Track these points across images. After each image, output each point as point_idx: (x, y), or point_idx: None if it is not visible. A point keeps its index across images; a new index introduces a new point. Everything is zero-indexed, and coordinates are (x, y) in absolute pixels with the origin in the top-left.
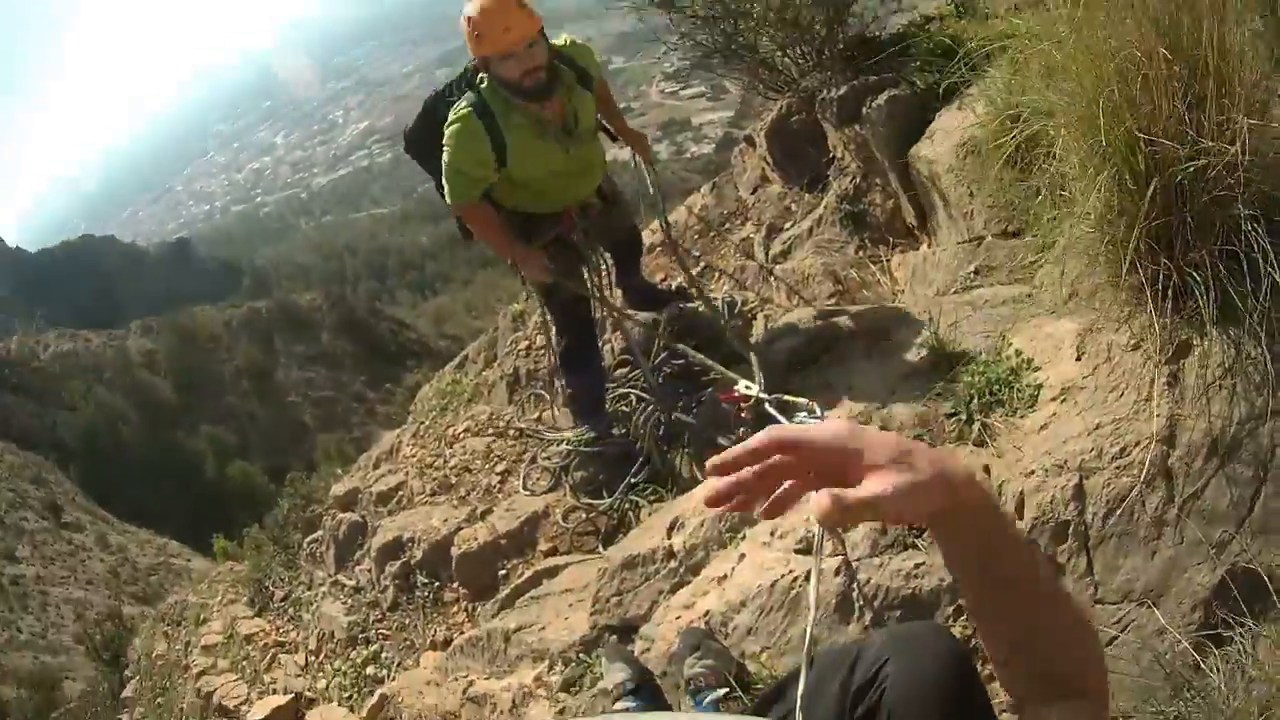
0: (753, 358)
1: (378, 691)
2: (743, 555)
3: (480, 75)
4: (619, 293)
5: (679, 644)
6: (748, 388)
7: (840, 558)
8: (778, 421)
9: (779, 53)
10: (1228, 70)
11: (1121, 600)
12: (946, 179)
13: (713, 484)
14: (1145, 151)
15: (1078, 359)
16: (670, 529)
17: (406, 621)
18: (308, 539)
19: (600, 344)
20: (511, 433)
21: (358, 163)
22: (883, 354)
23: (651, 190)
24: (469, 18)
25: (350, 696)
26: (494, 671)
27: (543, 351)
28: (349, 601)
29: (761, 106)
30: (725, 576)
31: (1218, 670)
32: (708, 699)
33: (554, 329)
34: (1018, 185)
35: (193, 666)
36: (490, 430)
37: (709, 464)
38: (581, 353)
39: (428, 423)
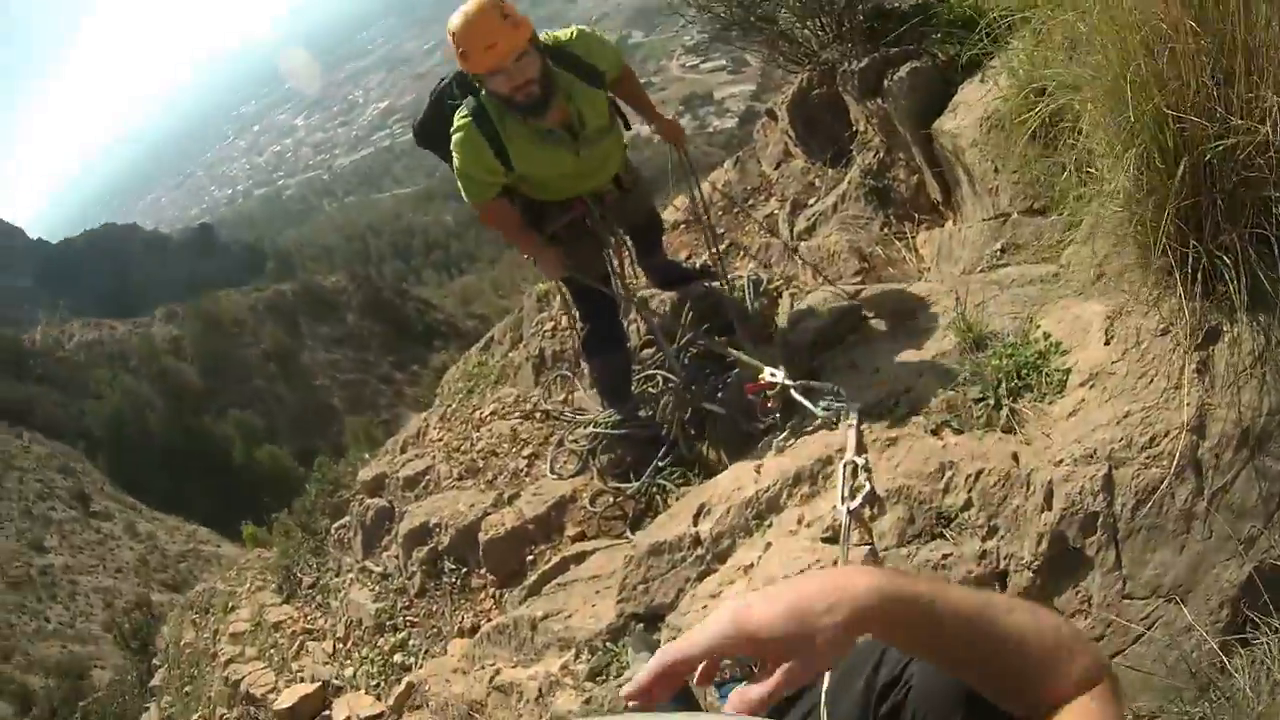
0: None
1: (405, 679)
2: (769, 544)
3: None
4: (641, 273)
5: None
6: (773, 375)
7: (868, 547)
8: (804, 407)
9: (798, 24)
10: (1255, 45)
11: (1150, 595)
12: (970, 153)
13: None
14: (1173, 129)
15: (1106, 343)
16: (697, 516)
17: (434, 608)
18: (335, 525)
19: (626, 324)
20: (538, 415)
21: (379, 142)
22: (909, 334)
23: (689, 177)
24: (452, 34)
25: (377, 685)
26: (520, 660)
27: (568, 332)
28: (377, 588)
29: (782, 79)
30: (752, 565)
31: (1244, 672)
32: (732, 691)
33: (576, 312)
34: (1043, 161)
35: (220, 654)
36: (517, 413)
37: (624, 692)
38: (605, 335)
39: (454, 405)
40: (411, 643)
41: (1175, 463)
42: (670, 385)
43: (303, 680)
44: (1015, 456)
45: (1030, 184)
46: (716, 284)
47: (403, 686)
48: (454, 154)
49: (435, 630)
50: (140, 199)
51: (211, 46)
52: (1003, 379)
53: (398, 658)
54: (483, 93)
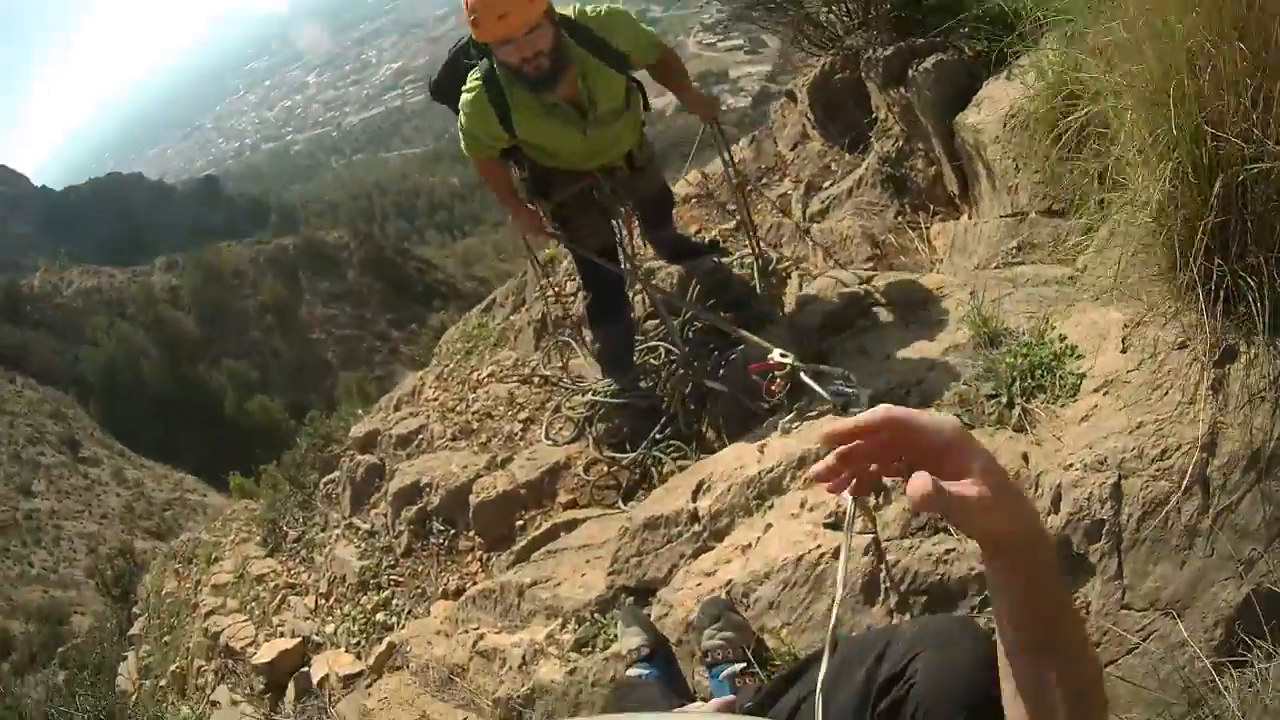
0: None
1: (386, 639)
2: (769, 525)
3: None
4: (649, 245)
5: (699, 614)
6: (782, 356)
7: (870, 537)
8: (812, 390)
9: (824, 8)
10: None
11: (1148, 608)
12: (992, 149)
13: (826, 461)
14: (1209, 146)
15: (1123, 351)
16: (696, 491)
17: (419, 569)
18: (324, 480)
19: (631, 295)
20: (536, 380)
21: (390, 102)
22: (921, 325)
23: (722, 153)
24: (465, 1)
25: (358, 643)
26: (505, 626)
27: (571, 299)
28: (362, 546)
29: (801, 62)
30: (750, 546)
31: (1234, 692)
32: (724, 673)
33: (580, 280)
34: (1066, 163)
35: (201, 605)
36: (515, 376)
37: (823, 435)
38: (608, 305)
39: (452, 365)
40: (395, 602)
41: (1185, 478)
42: (672, 358)
43: (283, 635)
44: (1025, 457)
45: (1051, 185)
46: (724, 260)
47: (384, 646)
48: (461, 111)
49: (419, 591)
50: (148, 149)
51: (227, 3)
52: (1017, 378)
53: (380, 617)
54: (496, 61)
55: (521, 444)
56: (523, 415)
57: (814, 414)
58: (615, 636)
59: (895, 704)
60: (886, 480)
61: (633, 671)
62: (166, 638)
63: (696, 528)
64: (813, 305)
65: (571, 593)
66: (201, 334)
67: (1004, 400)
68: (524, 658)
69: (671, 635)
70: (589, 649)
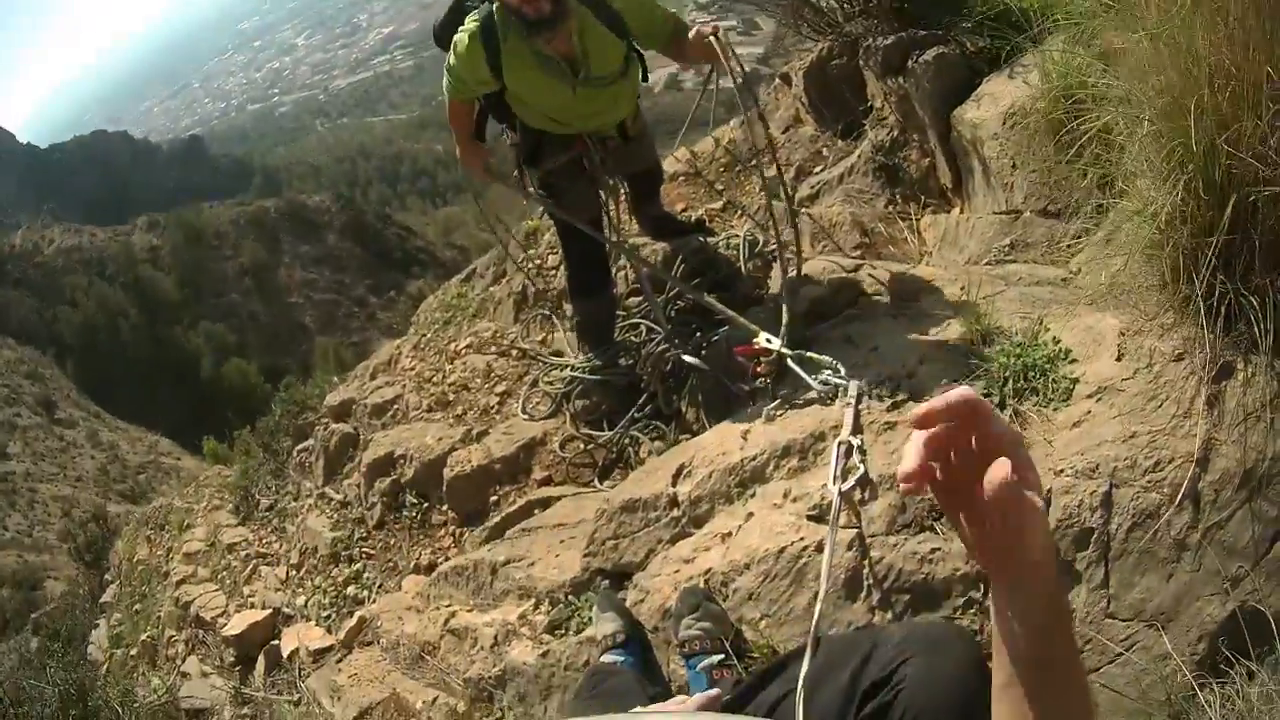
0: (784, 309)
1: (357, 613)
2: (751, 514)
3: None
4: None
5: (677, 603)
6: (769, 341)
7: (855, 532)
8: (799, 377)
9: None
10: None
11: (1132, 618)
12: (990, 146)
13: (918, 453)
14: (1224, 165)
15: (1118, 359)
16: (676, 475)
17: (391, 542)
18: (298, 447)
19: (614, 270)
20: (514, 353)
21: (379, 67)
22: (911, 317)
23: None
24: None
25: (329, 616)
26: (478, 604)
27: (553, 272)
28: (335, 516)
29: (794, 46)
30: (730, 534)
31: (1214, 706)
32: (701, 664)
33: (562, 252)
34: (1065, 165)
35: (173, 574)
36: (493, 348)
37: (913, 418)
38: (590, 279)
39: (429, 335)
40: (366, 575)
41: (1176, 492)
42: (653, 336)
43: (253, 606)
44: None
45: (1049, 185)
46: (710, 239)
47: (354, 621)
48: (451, 51)
49: (391, 565)
50: (135, 106)
51: None
52: (1009, 379)
53: (351, 590)
54: (496, 3)
55: (498, 418)
56: (500, 388)
57: (800, 403)
58: (589, 620)
59: (882, 708)
60: (873, 475)
61: (607, 658)
62: (138, 606)
63: (676, 513)
64: (800, 291)
65: (545, 573)
66: (180, 295)
67: (995, 400)
68: (496, 638)
69: (647, 622)
70: (562, 632)
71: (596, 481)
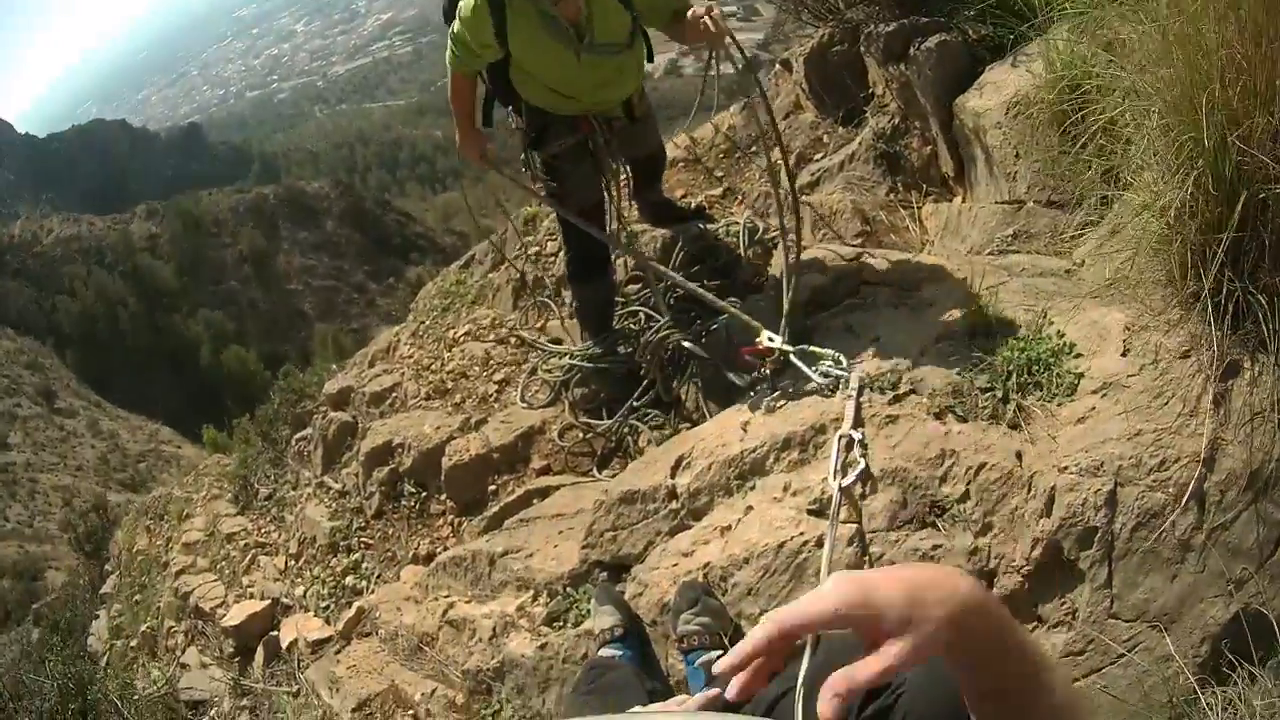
0: (785, 299)
1: (355, 604)
2: (750, 507)
3: None
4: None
5: (676, 597)
6: (771, 340)
7: (855, 527)
8: (801, 373)
9: None
10: None
11: (1135, 619)
12: (993, 134)
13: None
14: (1234, 160)
15: (1123, 354)
16: (675, 467)
17: (390, 531)
18: (296, 436)
19: (614, 257)
20: (513, 341)
21: (377, 53)
22: (913, 308)
23: (748, 75)
24: None
25: (327, 607)
26: (476, 595)
27: (552, 259)
28: (333, 505)
29: (795, 32)
30: (729, 528)
31: (1215, 709)
32: (699, 660)
33: (562, 238)
34: (1070, 156)
35: (172, 564)
36: (491, 336)
37: (717, 669)
38: (589, 265)
39: (428, 322)
40: (365, 565)
41: (1182, 492)
42: (653, 324)
43: (252, 596)
44: (1019, 455)
45: (1053, 176)
46: (710, 226)
47: (353, 611)
48: (456, 16)
49: (390, 555)
50: (133, 94)
51: None
52: (1013, 372)
53: (349, 580)
54: None
55: (496, 406)
56: (498, 376)
57: (800, 393)
58: (588, 612)
59: (882, 711)
60: (874, 469)
61: (605, 652)
62: (137, 597)
63: (674, 505)
64: (800, 279)
65: (544, 564)
66: (179, 283)
67: (999, 394)
68: (494, 629)
69: (646, 615)
70: (560, 624)
71: (595, 471)
